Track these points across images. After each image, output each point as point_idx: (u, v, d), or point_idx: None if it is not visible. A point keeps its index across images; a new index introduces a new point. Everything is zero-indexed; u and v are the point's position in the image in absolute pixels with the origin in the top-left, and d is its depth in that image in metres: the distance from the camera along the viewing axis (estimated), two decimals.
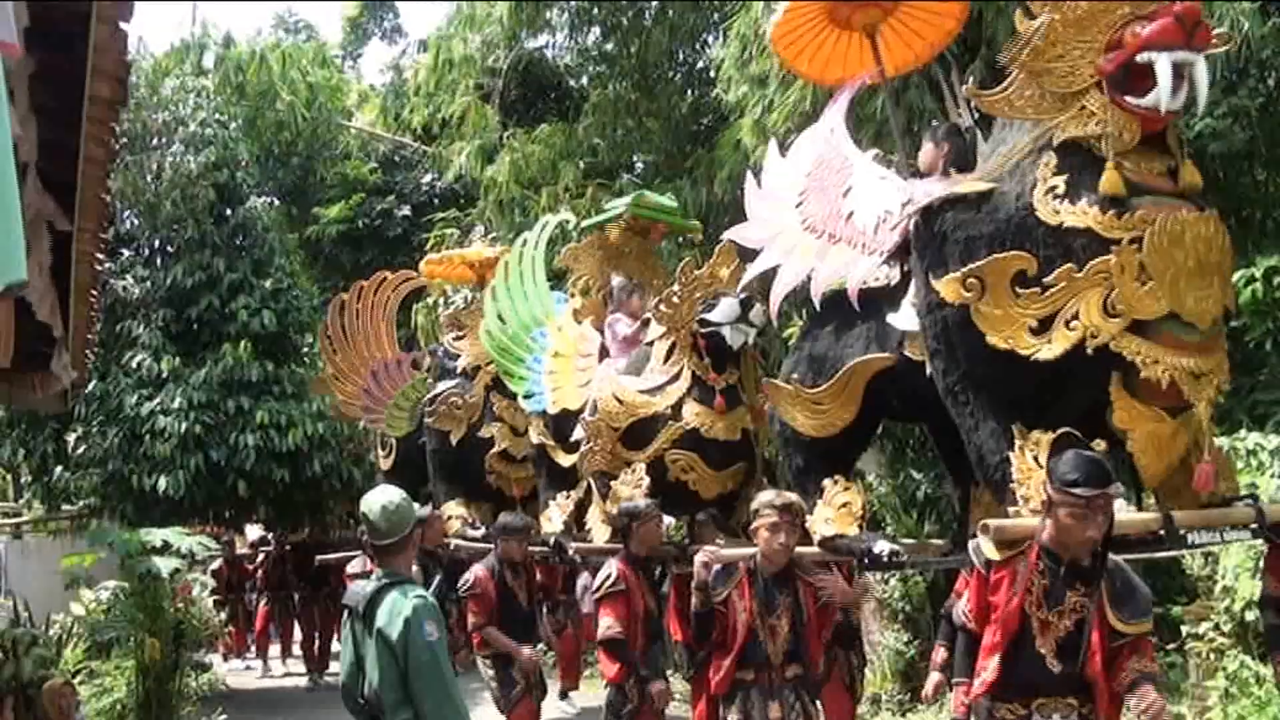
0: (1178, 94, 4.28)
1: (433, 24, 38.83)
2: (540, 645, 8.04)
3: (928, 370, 5.08)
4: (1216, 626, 7.32)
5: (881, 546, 5.56)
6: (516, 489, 9.37)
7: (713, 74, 16.92)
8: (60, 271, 5.13)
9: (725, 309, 6.71)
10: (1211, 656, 7.32)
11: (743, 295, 6.70)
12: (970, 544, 4.51)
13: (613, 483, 7.14)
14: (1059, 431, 4.20)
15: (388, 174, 20.03)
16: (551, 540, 7.96)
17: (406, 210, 19.34)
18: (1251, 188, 9.95)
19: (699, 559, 5.20)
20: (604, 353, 7.93)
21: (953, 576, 9.30)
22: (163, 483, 11.20)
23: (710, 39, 16.65)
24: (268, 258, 12.68)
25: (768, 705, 5.19)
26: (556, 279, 9.88)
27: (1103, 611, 4.11)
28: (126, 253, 12.50)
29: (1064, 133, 4.47)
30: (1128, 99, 4.33)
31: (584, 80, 18.59)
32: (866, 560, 5.59)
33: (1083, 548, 4.08)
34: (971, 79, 5.66)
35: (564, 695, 10.60)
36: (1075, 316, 4.34)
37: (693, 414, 6.85)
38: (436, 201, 19.32)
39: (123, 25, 3.55)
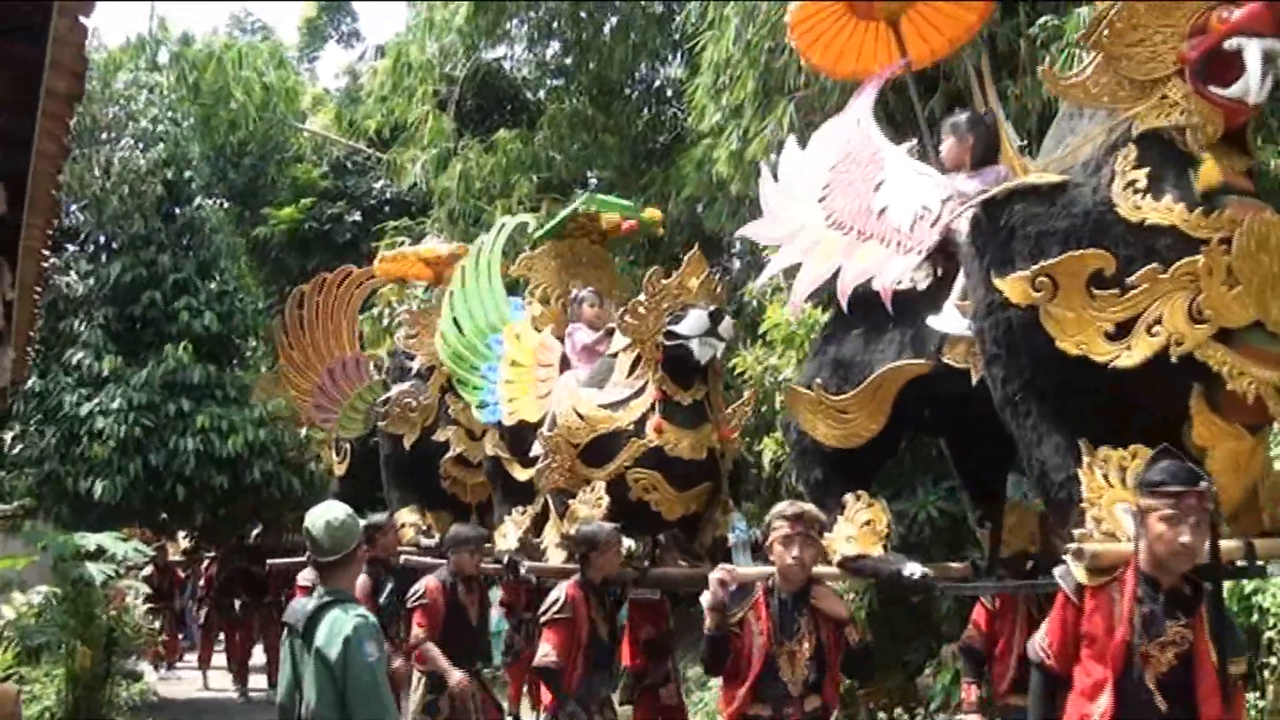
0: (1266, 85, 3.97)
1: (390, 31, 38.62)
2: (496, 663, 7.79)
3: (973, 379, 4.80)
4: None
5: (912, 569, 5.20)
6: (472, 495, 9.08)
7: (669, 92, 17.08)
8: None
9: (694, 321, 6.38)
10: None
11: (711, 308, 6.42)
12: (1057, 570, 4.11)
13: (571, 501, 6.80)
14: (1159, 448, 3.80)
15: (339, 179, 19.80)
16: (505, 558, 7.55)
17: (357, 216, 19.10)
18: None
19: (714, 576, 4.79)
20: (565, 363, 7.63)
21: (895, 601, 9.46)
22: (99, 487, 10.95)
23: (670, 57, 16.71)
24: (214, 259, 12.50)
25: None
26: (515, 287, 9.45)
27: (1205, 646, 3.74)
28: (71, 248, 12.25)
29: (1143, 123, 4.16)
30: (1212, 89, 4.04)
31: (541, 93, 18.54)
32: (895, 584, 5.23)
33: (1180, 563, 3.71)
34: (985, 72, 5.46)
35: None
36: (1158, 321, 4.00)
37: (656, 431, 6.52)
38: (388, 209, 19.08)
39: (83, 20, 3.46)
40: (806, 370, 5.94)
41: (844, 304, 5.23)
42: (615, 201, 8.52)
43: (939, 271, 5.26)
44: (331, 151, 20.06)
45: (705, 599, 4.78)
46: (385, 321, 14.26)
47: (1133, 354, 4.02)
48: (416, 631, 6.97)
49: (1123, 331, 4.06)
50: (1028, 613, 5.40)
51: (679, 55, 16.31)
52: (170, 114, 12.71)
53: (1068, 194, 4.25)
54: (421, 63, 17.05)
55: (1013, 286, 4.26)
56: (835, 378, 5.54)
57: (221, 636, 14.63)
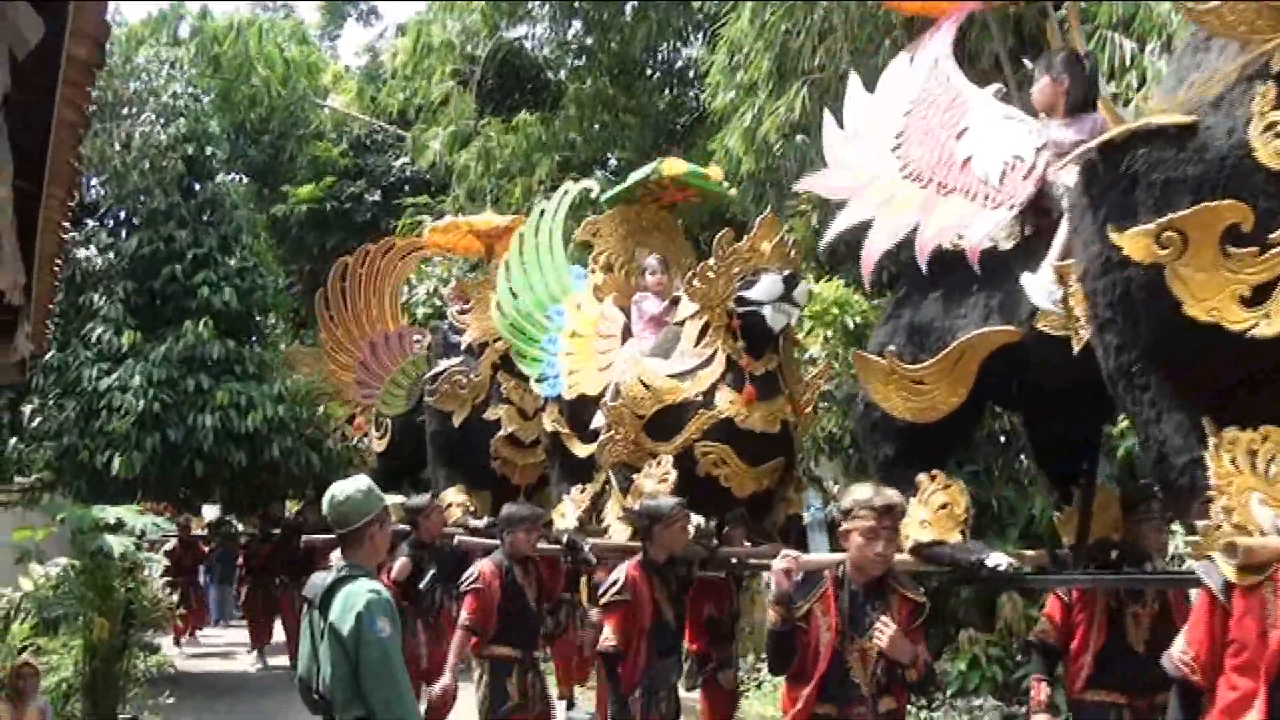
0: None
1: (409, 10, 38.53)
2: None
3: (1074, 348, 4.36)
4: None
5: (996, 559, 4.80)
6: (522, 477, 8.85)
7: (692, 73, 17.04)
8: (23, 239, 4.98)
9: (766, 286, 5.99)
10: None
11: (786, 272, 6.03)
12: (1199, 567, 3.71)
13: (635, 476, 6.44)
14: None
15: (359, 157, 19.89)
16: (565, 538, 7.23)
17: (377, 195, 19.22)
18: None
19: (778, 565, 4.38)
20: (627, 334, 7.31)
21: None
22: (117, 461, 10.94)
23: (692, 37, 16.65)
24: (234, 235, 12.45)
25: None
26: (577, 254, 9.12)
27: None
28: (90, 222, 12.25)
29: None
30: None
31: (562, 73, 18.56)
32: (974, 575, 4.87)
33: None
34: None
35: (570, 704, 9.69)
36: None
37: (727, 402, 6.12)
38: (407, 188, 19.20)
39: None
40: (877, 336, 5.51)
41: (923, 264, 4.83)
42: (688, 170, 8.00)
43: (1026, 229, 4.89)
44: (351, 129, 20.10)
45: (769, 591, 4.42)
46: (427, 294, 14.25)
47: (1272, 322, 3.49)
48: (464, 615, 6.56)
49: (1261, 296, 3.53)
50: (1106, 605, 5.04)
51: (701, 35, 16.27)
52: (191, 89, 12.67)
53: (1199, 137, 3.71)
54: (443, 41, 17.11)
55: (1134, 242, 3.77)
56: (911, 345, 5.13)
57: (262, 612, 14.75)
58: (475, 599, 6.51)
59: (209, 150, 12.37)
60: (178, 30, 17.15)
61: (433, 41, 17.18)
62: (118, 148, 11.06)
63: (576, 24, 17.80)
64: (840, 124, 5.52)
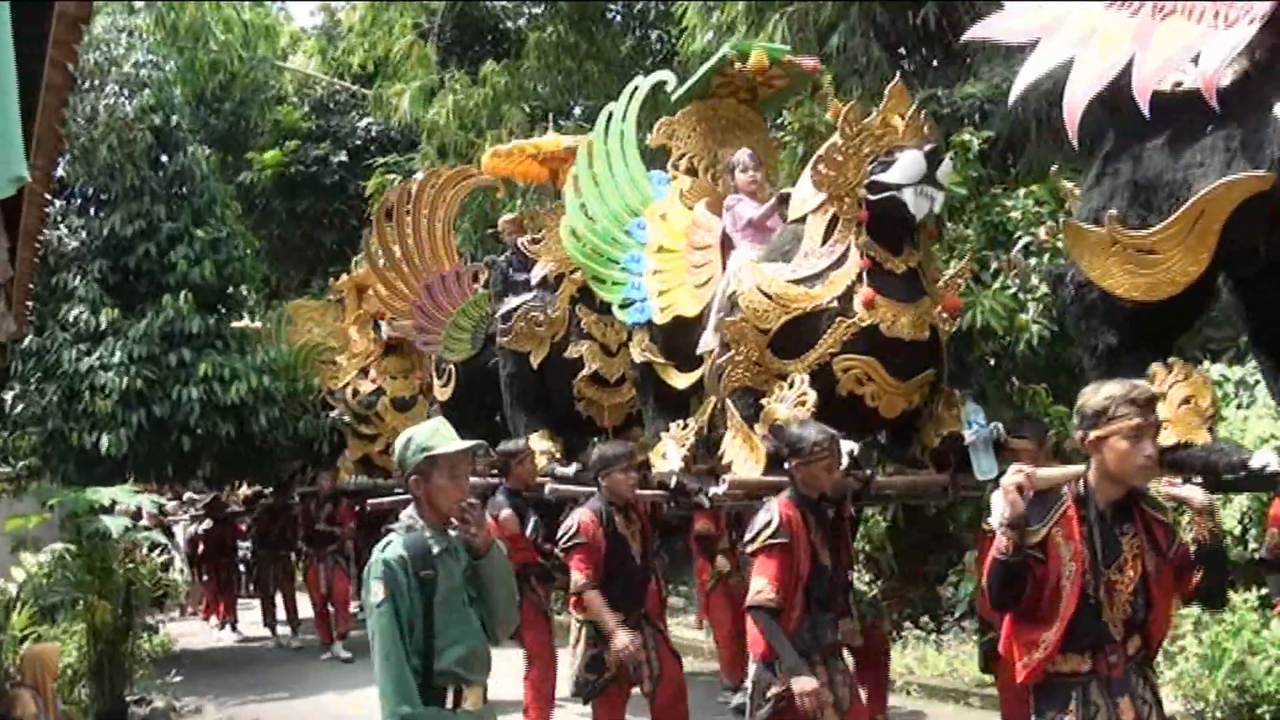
0: None
1: None
2: None
3: None
4: None
5: (1265, 459, 4.03)
6: (609, 418, 8.19)
7: (653, 15, 16.83)
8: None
9: (906, 166, 5.15)
10: None
11: (927, 147, 5.21)
12: None
13: (765, 401, 5.54)
14: None
15: (323, 119, 19.60)
16: (672, 481, 6.39)
17: (343, 156, 18.94)
18: None
19: (1009, 480, 3.48)
20: (727, 242, 6.48)
21: (914, 512, 9.38)
22: (105, 441, 10.81)
23: None
24: (207, 207, 12.25)
25: (1116, 705, 3.47)
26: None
27: None
28: (60, 202, 12.02)
29: None
30: None
31: (521, 22, 18.27)
32: (1237, 479, 4.10)
33: None
34: None
35: None
36: None
37: (866, 305, 5.30)
38: (374, 147, 18.95)
39: None
40: (1088, 201, 4.68)
41: (1144, 106, 4.00)
42: (769, 45, 7.18)
43: (1255, 55, 4.07)
44: (314, 91, 19.80)
45: (997, 512, 3.62)
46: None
47: None
48: (576, 576, 5.85)
49: None
50: None
51: None
52: (152, 57, 12.36)
53: None
54: None
55: None
56: (1136, 206, 4.31)
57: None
58: (583, 554, 5.87)
59: (175, 120, 12.10)
60: None
61: None
62: (83, 122, 10.81)
63: None
64: None
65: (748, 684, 4.99)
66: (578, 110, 16.62)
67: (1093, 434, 3.48)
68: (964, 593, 9.21)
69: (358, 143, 19.35)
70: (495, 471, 7.81)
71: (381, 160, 16.83)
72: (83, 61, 10.74)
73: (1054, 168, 6.93)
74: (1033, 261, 8.07)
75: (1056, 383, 8.37)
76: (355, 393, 12.13)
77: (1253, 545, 6.96)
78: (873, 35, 10.13)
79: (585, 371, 8.01)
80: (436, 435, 3.80)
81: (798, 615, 4.79)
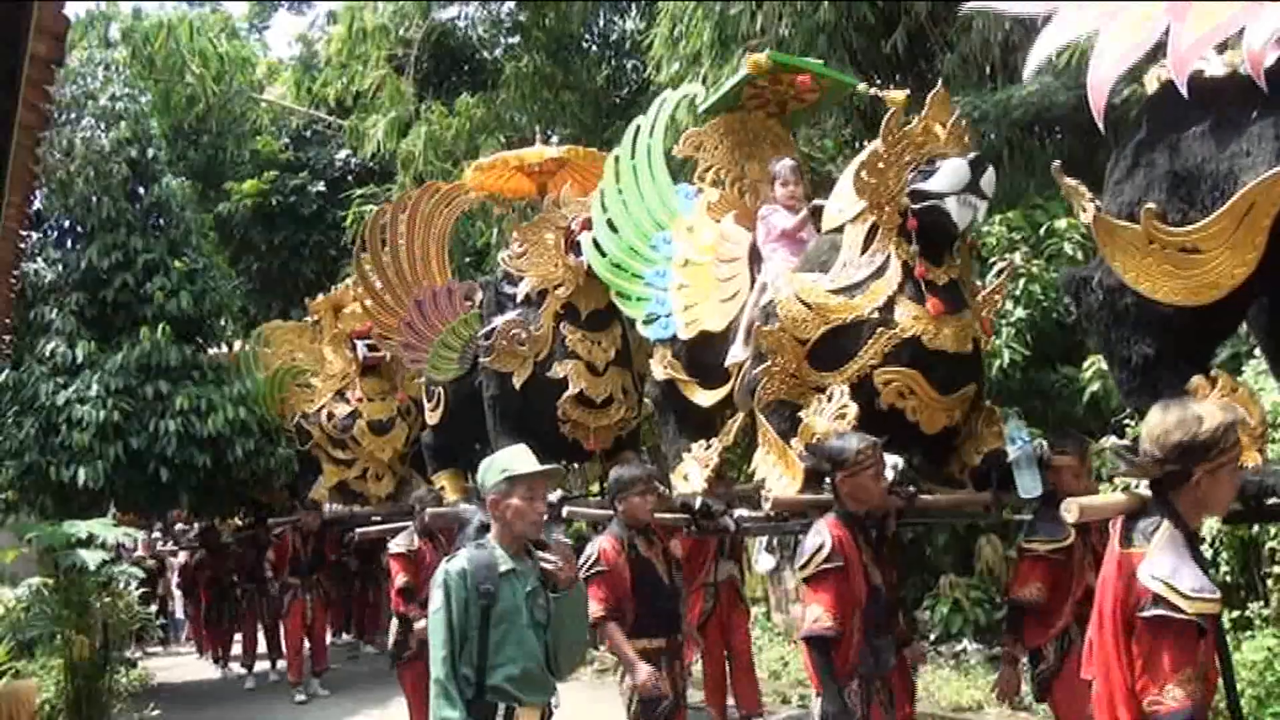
0: None
1: None
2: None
3: None
4: None
5: None
6: (595, 441, 7.88)
7: (628, 45, 16.99)
8: None
9: (950, 174, 5.00)
10: None
11: (971, 155, 5.07)
12: None
13: (803, 414, 5.35)
14: None
15: (300, 150, 19.71)
16: (696, 503, 6.19)
17: (321, 186, 19.04)
18: None
19: (1068, 514, 3.22)
20: (756, 256, 6.35)
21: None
22: (82, 474, 10.77)
23: (627, 9, 16.61)
24: (184, 238, 12.26)
25: None
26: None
27: None
28: (37, 234, 12.01)
29: None
30: None
31: (498, 53, 18.40)
32: None
33: None
34: None
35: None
36: None
37: (910, 318, 5.13)
38: (351, 178, 19.06)
39: None
40: (1118, 194, 4.24)
41: (1181, 85, 3.61)
42: (801, 61, 7.06)
43: None
44: (291, 122, 19.90)
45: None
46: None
47: None
48: (594, 607, 5.38)
49: None
50: None
51: (635, 7, 16.23)
52: (128, 90, 12.39)
53: None
54: (376, 26, 16.90)
55: None
56: (1176, 199, 3.91)
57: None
58: (604, 584, 5.60)
59: (152, 152, 12.13)
60: (108, 32, 16.83)
61: (366, 26, 16.97)
62: (59, 156, 10.84)
63: (509, 2, 17.73)
64: None
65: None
66: (555, 139, 16.72)
67: (1203, 468, 3.02)
68: (939, 617, 9.26)
69: (336, 174, 19.47)
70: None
71: (360, 192, 16.91)
72: (59, 95, 10.81)
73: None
74: (1009, 287, 8.18)
75: (1030, 406, 8.46)
76: (330, 416, 11.88)
77: (1224, 569, 7.03)
78: (846, 62, 10.24)
79: (570, 392, 7.74)
80: (516, 459, 3.99)
81: (857, 640, 4.59)
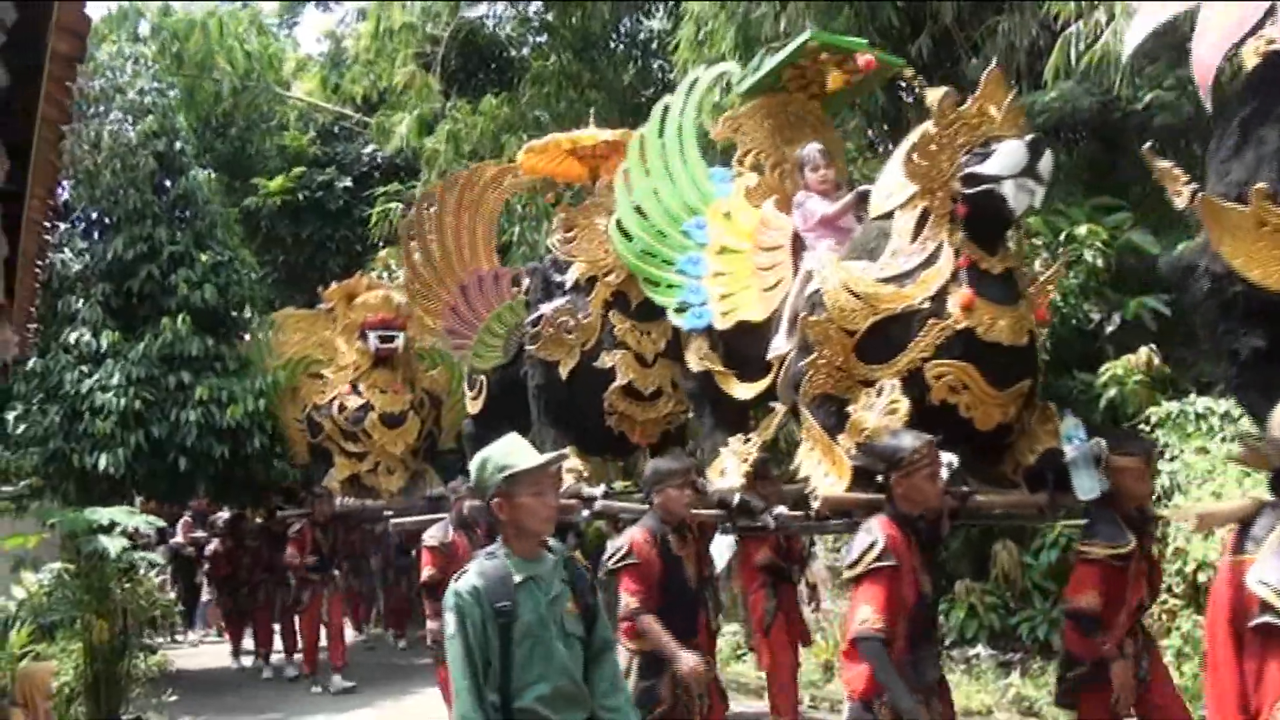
0: None
1: None
2: None
3: None
4: (1169, 588, 7.16)
5: None
6: (642, 435, 7.69)
7: (655, 45, 17.02)
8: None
9: (1006, 156, 4.74)
10: (1164, 618, 7.26)
11: (1029, 137, 4.82)
12: None
13: (852, 409, 5.10)
14: None
15: (327, 145, 19.84)
16: (734, 499, 6.01)
17: (347, 182, 19.14)
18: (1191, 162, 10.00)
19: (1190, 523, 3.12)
20: (799, 243, 6.07)
21: None
22: (103, 461, 10.91)
23: (653, 9, 16.64)
24: (209, 230, 12.38)
25: None
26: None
27: None
28: (63, 225, 12.16)
29: None
30: None
31: (525, 51, 18.46)
32: None
33: None
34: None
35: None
36: None
37: (963, 308, 4.89)
38: (378, 174, 19.16)
39: None
40: (1225, 175, 3.99)
41: None
42: (845, 40, 6.77)
43: None
44: (318, 118, 20.00)
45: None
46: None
47: None
48: (627, 600, 5.35)
49: None
50: None
51: (662, 7, 16.25)
52: (156, 84, 12.54)
53: None
54: (404, 24, 16.97)
55: None
56: None
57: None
58: (634, 576, 5.37)
59: (179, 145, 12.27)
60: (138, 27, 16.99)
61: (394, 24, 17.05)
62: (87, 148, 10.98)
63: (537, 1, 17.79)
64: None
65: None
66: None
67: None
68: (954, 621, 9.26)
69: (362, 169, 19.56)
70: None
71: (383, 189, 17.02)
72: (87, 87, 10.95)
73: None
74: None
75: None
76: (342, 408, 11.72)
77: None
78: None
79: (618, 383, 7.48)
80: (513, 452, 3.52)
81: (900, 647, 4.31)
